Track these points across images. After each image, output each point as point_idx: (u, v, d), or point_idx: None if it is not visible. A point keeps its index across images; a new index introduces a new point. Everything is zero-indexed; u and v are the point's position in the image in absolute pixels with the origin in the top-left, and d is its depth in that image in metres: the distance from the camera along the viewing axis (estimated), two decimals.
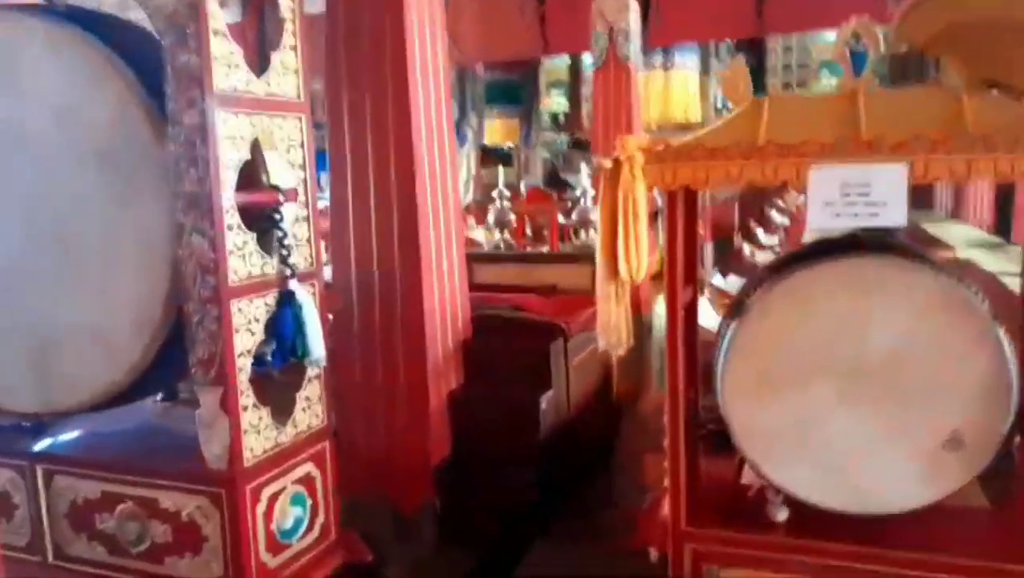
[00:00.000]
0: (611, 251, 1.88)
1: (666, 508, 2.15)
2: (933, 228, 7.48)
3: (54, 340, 2.45)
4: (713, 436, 2.28)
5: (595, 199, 4.96)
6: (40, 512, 2.54)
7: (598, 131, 6.18)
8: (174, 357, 2.37)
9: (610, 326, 1.95)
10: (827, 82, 25.12)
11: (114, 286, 2.35)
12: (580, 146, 10.97)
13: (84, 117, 2.29)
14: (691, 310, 2.14)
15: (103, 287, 2.37)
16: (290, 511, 2.45)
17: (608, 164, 1.86)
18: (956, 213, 10.03)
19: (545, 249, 4.87)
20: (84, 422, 2.68)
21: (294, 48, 2.44)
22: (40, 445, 2.59)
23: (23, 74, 2.34)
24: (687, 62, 8.94)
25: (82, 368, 2.44)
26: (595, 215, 4.78)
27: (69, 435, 2.66)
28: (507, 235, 4.66)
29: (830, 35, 21.09)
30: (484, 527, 2.92)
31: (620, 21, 6.16)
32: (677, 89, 8.67)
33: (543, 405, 2.97)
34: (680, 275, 1.98)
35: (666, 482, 2.19)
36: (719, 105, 9.81)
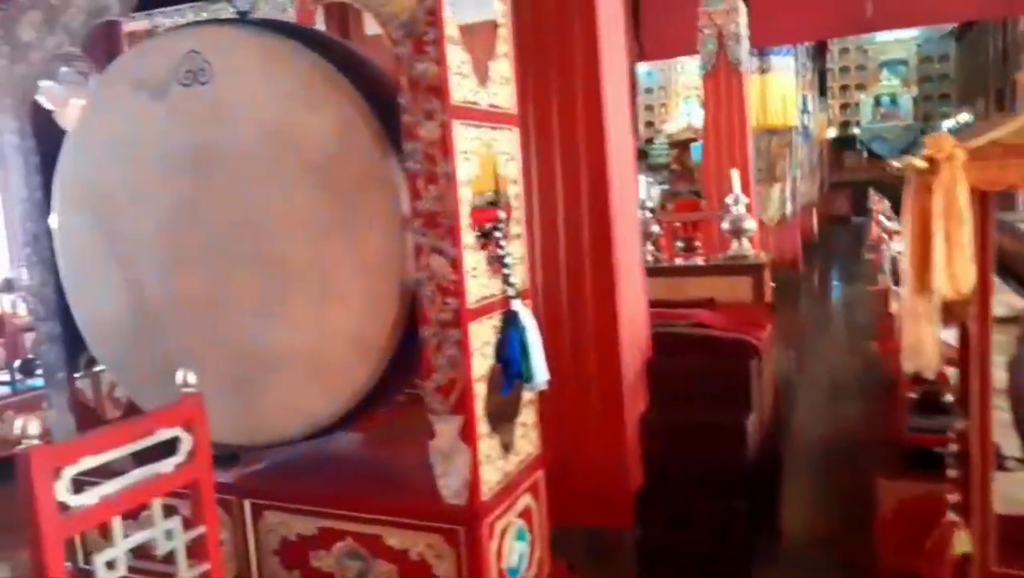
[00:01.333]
0: (922, 262, 1.70)
1: (958, 545, 1.95)
2: None
3: (261, 369, 2.34)
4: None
5: (748, 206, 4.78)
6: (247, 548, 2.42)
7: (709, 137, 5.99)
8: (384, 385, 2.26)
9: (919, 347, 1.76)
10: (887, 82, 24.63)
11: (331, 311, 2.23)
12: None
13: (299, 135, 2.18)
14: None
15: (318, 312, 2.25)
16: (515, 547, 2.29)
17: (921, 165, 1.68)
18: None
19: (700, 261, 4.68)
20: (272, 454, 2.56)
21: (507, 56, 2.31)
22: (241, 478, 2.48)
23: (230, 91, 2.24)
24: (784, 65, 8.70)
25: (293, 397, 2.32)
26: (749, 224, 4.60)
27: (264, 467, 2.55)
28: (651, 247, 4.47)
29: (885, 35, 20.63)
30: (690, 554, 2.74)
31: (730, 24, 5.99)
32: (774, 93, 8.43)
33: (748, 428, 2.79)
34: (990, 286, 1.79)
35: (951, 516, 1.99)
36: (807, 108, 9.52)
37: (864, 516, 2.63)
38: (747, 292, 4.00)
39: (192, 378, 2.03)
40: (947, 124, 23.93)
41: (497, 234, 2.20)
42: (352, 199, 2.16)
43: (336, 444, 2.63)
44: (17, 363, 4.93)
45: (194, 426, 2.01)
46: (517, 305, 2.23)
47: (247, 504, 2.42)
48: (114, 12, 2.35)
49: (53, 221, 2.53)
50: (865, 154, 22.97)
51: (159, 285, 2.41)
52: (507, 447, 2.26)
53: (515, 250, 2.31)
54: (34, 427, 1.69)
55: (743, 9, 6.03)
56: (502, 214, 2.21)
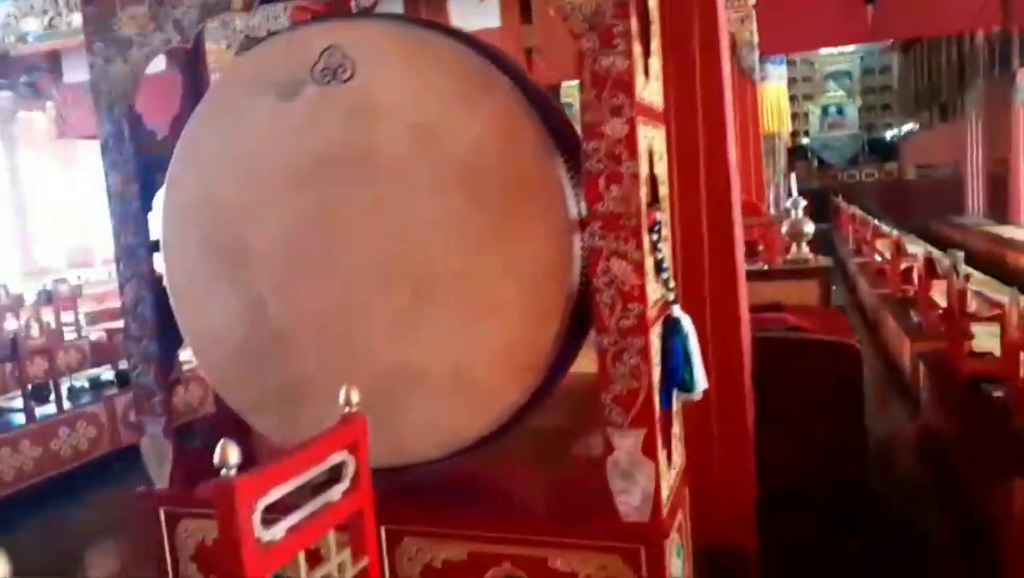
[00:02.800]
0: None
1: None
2: None
3: (396, 388, 2.19)
4: None
5: (806, 210, 4.78)
6: None
7: None
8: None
9: None
10: (833, 93, 25.37)
11: (483, 324, 2.10)
12: None
13: (453, 136, 2.05)
14: None
15: (467, 327, 2.12)
16: (676, 565, 2.19)
17: None
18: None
19: (763, 265, 4.64)
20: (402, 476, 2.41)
21: (658, 52, 2.23)
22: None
23: (375, 90, 2.10)
24: (778, 73, 8.84)
25: (433, 416, 2.18)
26: (808, 227, 4.60)
27: (397, 490, 2.39)
28: None
29: (830, 48, 21.26)
30: (816, 569, 2.67)
31: (744, 32, 6.03)
32: (771, 101, 8.55)
33: (865, 441, 2.74)
34: None
35: None
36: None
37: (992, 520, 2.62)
38: (813, 295, 3.99)
39: (355, 397, 1.89)
40: (890, 133, 24.89)
41: (655, 237, 2.11)
42: (512, 203, 2.03)
43: (453, 463, 2.49)
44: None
45: (358, 449, 1.87)
46: (677, 311, 2.14)
47: (383, 530, 2.26)
48: (236, 7, 2.19)
49: (160, 234, 2.34)
50: (815, 163, 23.60)
51: (283, 302, 2.24)
52: (669, 459, 2.16)
53: (667, 253, 2.22)
54: (235, 454, 1.52)
55: (755, 16, 6.08)
56: (660, 216, 2.12)
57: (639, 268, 1.92)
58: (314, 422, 2.28)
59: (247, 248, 2.25)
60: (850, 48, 22.87)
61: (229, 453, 1.52)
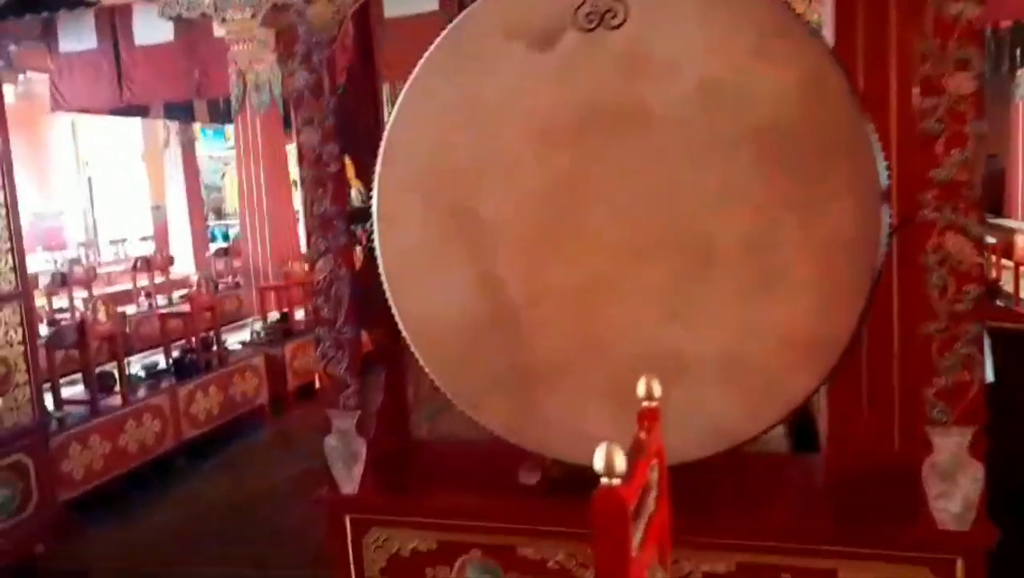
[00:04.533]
0: None
1: None
2: None
3: (658, 374, 1.94)
4: None
5: None
6: None
7: None
8: None
9: None
10: None
11: (769, 305, 1.86)
12: None
13: (746, 92, 1.80)
14: None
15: (749, 307, 1.87)
16: None
17: None
18: None
19: None
20: None
21: None
22: None
23: (652, 38, 1.83)
24: None
25: (702, 408, 1.93)
26: None
27: None
28: None
29: None
30: None
31: None
32: None
33: None
34: None
35: None
36: None
37: None
38: None
39: (658, 389, 1.64)
40: None
41: None
42: (814, 167, 1.79)
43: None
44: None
45: (661, 451, 1.63)
46: None
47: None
48: None
49: (375, 204, 2.05)
50: None
51: (522, 278, 1.97)
52: None
53: None
54: (621, 461, 1.26)
55: None
56: None
57: (978, 245, 1.69)
58: (552, 414, 2.03)
59: (480, 217, 1.97)
60: None
61: (616, 459, 1.25)
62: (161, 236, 12.75)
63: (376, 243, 2.06)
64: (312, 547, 3.29)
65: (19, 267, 3.20)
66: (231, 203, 15.70)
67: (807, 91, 1.77)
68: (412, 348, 2.09)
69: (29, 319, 3.26)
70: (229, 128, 14.65)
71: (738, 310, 1.88)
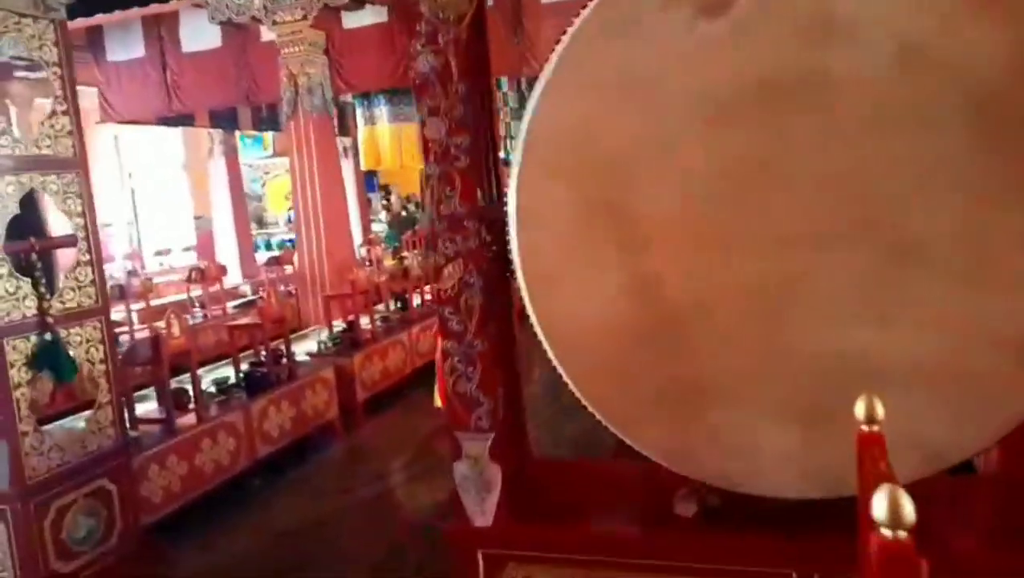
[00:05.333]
0: None
1: None
2: None
3: (853, 386, 1.67)
4: None
5: None
6: None
7: None
8: None
9: None
10: None
11: (989, 300, 1.60)
12: None
13: (957, 60, 1.54)
14: None
15: (964, 307, 1.61)
16: None
17: None
18: None
19: None
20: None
21: None
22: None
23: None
24: None
25: (906, 425, 1.66)
26: None
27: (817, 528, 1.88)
28: None
29: None
30: None
31: None
32: None
33: None
34: None
35: None
36: None
37: None
38: None
39: (880, 410, 1.39)
40: None
41: None
42: None
43: None
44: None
45: None
46: None
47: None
48: None
49: (512, 197, 1.82)
50: None
51: (688, 276, 1.73)
52: None
53: None
54: (910, 509, 1.01)
55: None
56: None
57: None
58: (724, 434, 1.79)
59: (637, 207, 1.73)
60: None
61: (904, 508, 1.00)
62: (204, 246, 12.68)
63: (512, 238, 1.83)
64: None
65: (99, 281, 3.04)
66: (273, 212, 15.66)
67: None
68: (552, 358, 1.85)
69: (110, 335, 3.09)
70: (268, 136, 14.67)
71: (950, 311, 1.62)
